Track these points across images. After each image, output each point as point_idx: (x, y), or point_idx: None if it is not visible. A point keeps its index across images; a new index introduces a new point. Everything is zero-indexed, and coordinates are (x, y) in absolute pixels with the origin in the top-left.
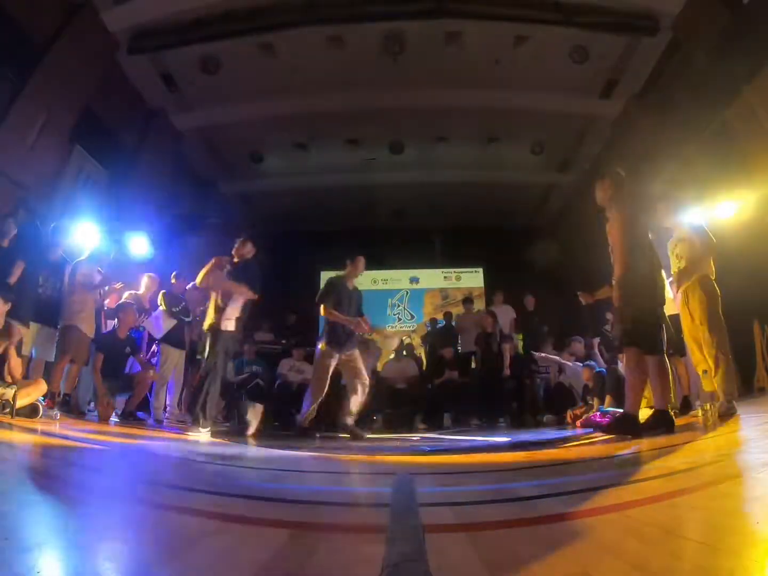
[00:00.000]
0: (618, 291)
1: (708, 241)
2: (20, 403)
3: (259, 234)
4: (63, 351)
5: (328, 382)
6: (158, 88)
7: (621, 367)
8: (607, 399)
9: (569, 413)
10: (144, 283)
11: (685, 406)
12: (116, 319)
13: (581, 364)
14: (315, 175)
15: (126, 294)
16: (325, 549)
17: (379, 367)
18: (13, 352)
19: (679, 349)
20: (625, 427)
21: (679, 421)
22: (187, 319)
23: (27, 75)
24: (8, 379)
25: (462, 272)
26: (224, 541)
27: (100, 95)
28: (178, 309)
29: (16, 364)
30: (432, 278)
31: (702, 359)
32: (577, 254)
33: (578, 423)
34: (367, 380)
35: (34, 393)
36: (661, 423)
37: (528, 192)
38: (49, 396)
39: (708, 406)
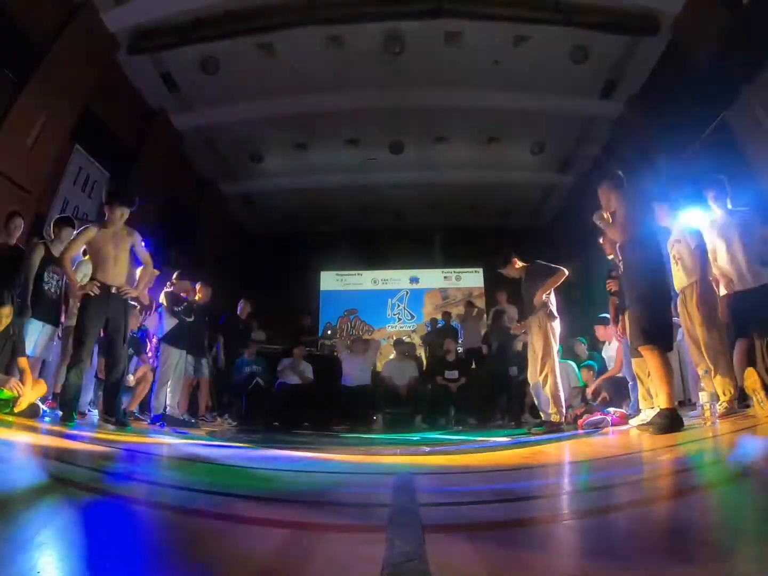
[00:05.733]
0: (630, 288)
1: (701, 245)
2: (21, 403)
3: (260, 234)
4: (67, 352)
5: None
6: (158, 88)
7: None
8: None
9: (569, 414)
10: (139, 277)
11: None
12: None
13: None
14: (315, 175)
15: None
16: (325, 549)
17: (379, 367)
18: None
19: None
20: (672, 424)
21: None
22: (189, 319)
23: (27, 75)
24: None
25: (462, 272)
26: (224, 541)
27: (100, 95)
28: (179, 309)
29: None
30: (432, 278)
31: (702, 359)
32: (577, 254)
33: (579, 423)
34: None
35: (34, 393)
36: (671, 422)
37: (528, 192)
38: (52, 397)
39: (708, 406)
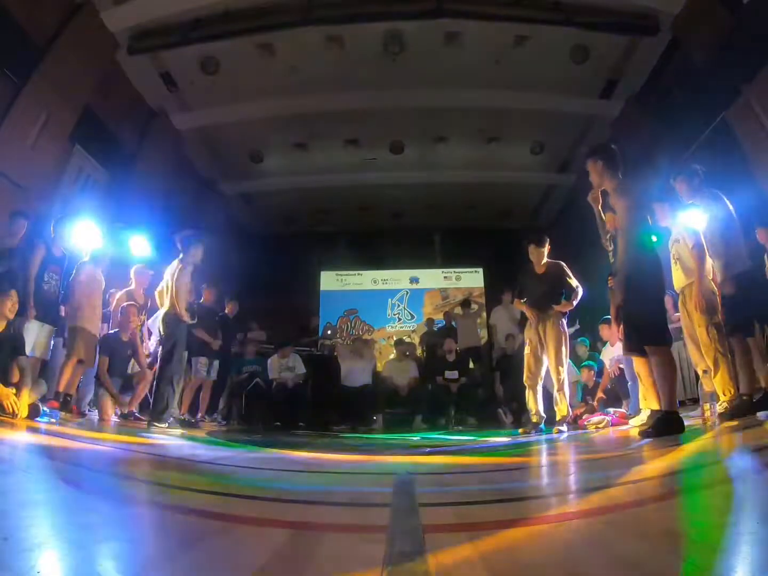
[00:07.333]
0: (624, 283)
1: (699, 244)
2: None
3: (259, 234)
4: (72, 352)
5: None
6: (158, 88)
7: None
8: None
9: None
10: (133, 277)
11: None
12: (118, 321)
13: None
14: (315, 175)
15: (120, 293)
16: (325, 549)
17: (379, 367)
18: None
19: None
20: (673, 427)
21: None
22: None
23: (27, 75)
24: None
25: (462, 272)
26: (224, 541)
27: (100, 95)
28: None
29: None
30: (432, 278)
31: (701, 359)
32: (577, 254)
33: (579, 423)
34: None
35: (34, 393)
36: (671, 426)
37: (528, 192)
38: (54, 396)
39: (708, 406)
